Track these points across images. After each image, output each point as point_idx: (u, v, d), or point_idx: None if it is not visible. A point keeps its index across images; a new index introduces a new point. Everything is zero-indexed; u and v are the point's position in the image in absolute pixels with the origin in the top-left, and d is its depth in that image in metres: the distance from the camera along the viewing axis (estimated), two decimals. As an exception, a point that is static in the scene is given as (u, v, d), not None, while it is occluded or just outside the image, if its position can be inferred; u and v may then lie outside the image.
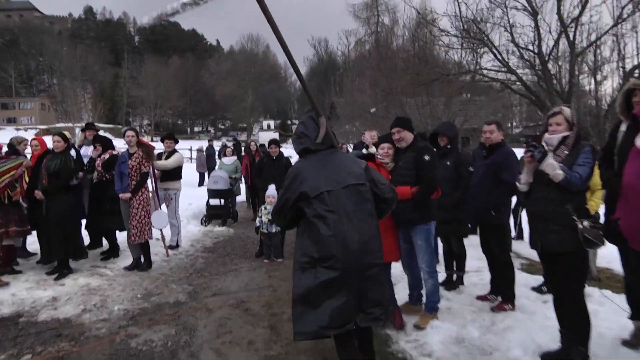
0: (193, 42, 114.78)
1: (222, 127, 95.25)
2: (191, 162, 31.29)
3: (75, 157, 7.63)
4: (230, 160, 13.23)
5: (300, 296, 3.25)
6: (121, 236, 8.30)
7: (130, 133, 7.79)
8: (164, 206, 8.89)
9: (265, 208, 8.29)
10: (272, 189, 8.35)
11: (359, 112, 45.06)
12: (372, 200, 3.47)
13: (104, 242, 8.57)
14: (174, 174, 9.12)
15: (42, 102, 76.41)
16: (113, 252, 8.29)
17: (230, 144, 28.07)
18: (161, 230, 8.28)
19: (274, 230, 8.24)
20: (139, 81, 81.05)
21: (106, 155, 8.10)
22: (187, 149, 35.83)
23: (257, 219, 8.40)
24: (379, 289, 3.31)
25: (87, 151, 8.49)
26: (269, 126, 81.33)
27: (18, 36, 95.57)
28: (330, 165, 3.46)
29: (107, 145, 8.32)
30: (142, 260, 7.77)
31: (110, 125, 73.56)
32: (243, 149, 21.90)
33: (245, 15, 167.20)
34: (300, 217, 3.42)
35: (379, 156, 5.18)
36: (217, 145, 25.94)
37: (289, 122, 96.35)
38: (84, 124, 9.67)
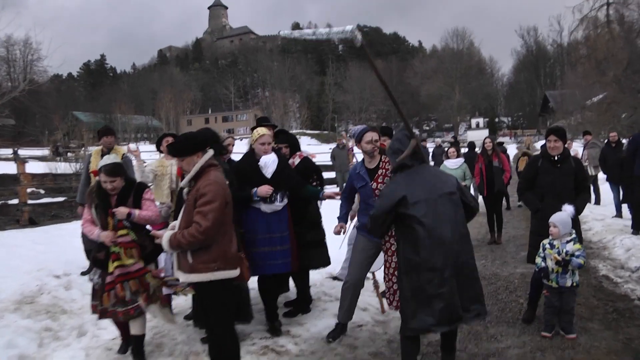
0: (395, 45, 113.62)
1: (427, 128, 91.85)
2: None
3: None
4: (455, 163, 9.82)
5: (409, 297, 3.54)
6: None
7: (370, 136, 4.59)
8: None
9: (553, 245, 4.69)
10: (563, 215, 4.61)
11: (575, 106, 38.90)
12: (462, 206, 3.73)
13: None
14: None
15: (255, 113, 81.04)
16: (303, 305, 5.42)
17: (445, 144, 24.50)
18: (374, 273, 5.23)
19: (569, 283, 4.59)
20: (343, 87, 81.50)
21: (295, 160, 5.33)
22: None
23: (539, 259, 4.80)
24: (475, 286, 3.61)
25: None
26: (478, 124, 75.59)
27: (237, 57, 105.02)
28: (426, 177, 3.73)
29: (295, 145, 5.53)
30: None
31: (317, 131, 75.57)
32: (467, 148, 17.97)
33: (447, 12, 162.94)
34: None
35: None
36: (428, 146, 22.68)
37: (496, 119, 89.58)
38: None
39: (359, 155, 5.74)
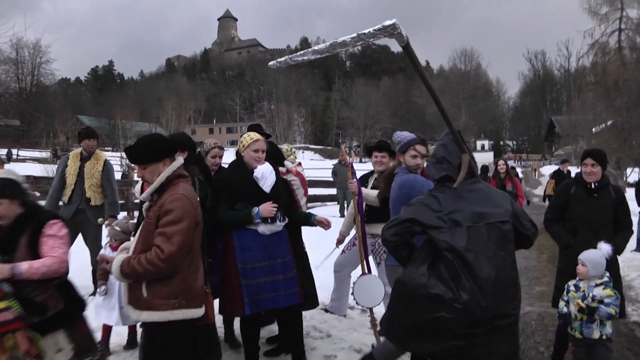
0: (402, 64, 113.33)
1: (432, 147, 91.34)
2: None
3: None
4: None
5: (406, 326, 2.87)
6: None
7: (418, 150, 4.01)
8: (373, 267, 4.96)
9: (578, 288, 3.97)
10: (596, 254, 3.87)
11: (583, 132, 38.42)
12: (514, 240, 2.95)
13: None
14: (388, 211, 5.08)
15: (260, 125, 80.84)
16: (288, 342, 4.67)
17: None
18: (371, 309, 4.53)
19: (595, 334, 3.76)
20: (349, 103, 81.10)
21: None
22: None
23: (561, 303, 4.10)
24: (509, 342, 2.85)
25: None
26: (483, 147, 74.94)
27: (244, 69, 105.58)
28: (473, 197, 2.95)
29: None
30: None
31: (320, 147, 75.09)
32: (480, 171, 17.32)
33: (456, 33, 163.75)
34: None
35: None
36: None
37: (501, 142, 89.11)
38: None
39: (358, 173, 5.02)
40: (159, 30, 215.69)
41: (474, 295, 2.72)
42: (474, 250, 2.79)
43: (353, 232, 5.08)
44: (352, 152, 66.51)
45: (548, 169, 40.73)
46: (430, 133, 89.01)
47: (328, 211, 14.88)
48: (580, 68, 63.10)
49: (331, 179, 16.77)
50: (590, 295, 3.80)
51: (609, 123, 34.20)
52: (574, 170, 16.17)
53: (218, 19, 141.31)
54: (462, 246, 2.78)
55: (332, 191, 17.16)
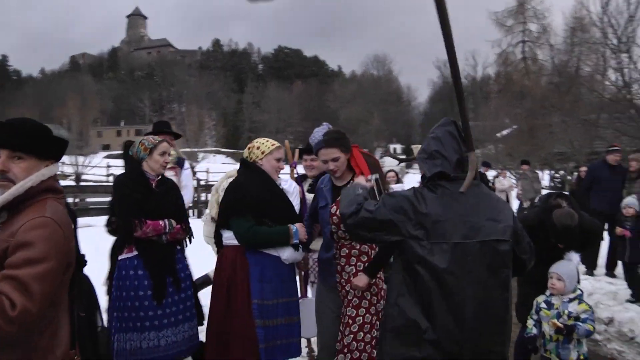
0: (315, 69, 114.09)
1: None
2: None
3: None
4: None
5: None
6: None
7: (324, 154, 3.27)
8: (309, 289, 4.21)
9: (550, 305, 3.50)
10: (570, 266, 3.49)
11: (488, 137, 40.20)
12: (510, 265, 2.30)
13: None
14: None
15: (170, 128, 78.41)
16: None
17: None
18: (309, 340, 3.91)
19: (573, 355, 3.37)
20: (261, 106, 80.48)
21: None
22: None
23: (530, 323, 3.67)
24: None
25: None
26: (395, 150, 76.89)
27: (154, 69, 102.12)
28: (471, 204, 2.30)
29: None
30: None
31: (232, 150, 73.77)
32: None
33: (370, 42, 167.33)
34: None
35: None
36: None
37: (412, 147, 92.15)
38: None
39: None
40: (66, 27, 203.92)
41: (448, 327, 2.21)
42: (457, 273, 2.22)
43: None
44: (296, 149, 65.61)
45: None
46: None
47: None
48: (485, 77, 66.34)
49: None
50: (566, 312, 3.42)
51: (512, 129, 35.78)
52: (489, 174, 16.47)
53: (127, 17, 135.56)
54: (442, 267, 2.22)
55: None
